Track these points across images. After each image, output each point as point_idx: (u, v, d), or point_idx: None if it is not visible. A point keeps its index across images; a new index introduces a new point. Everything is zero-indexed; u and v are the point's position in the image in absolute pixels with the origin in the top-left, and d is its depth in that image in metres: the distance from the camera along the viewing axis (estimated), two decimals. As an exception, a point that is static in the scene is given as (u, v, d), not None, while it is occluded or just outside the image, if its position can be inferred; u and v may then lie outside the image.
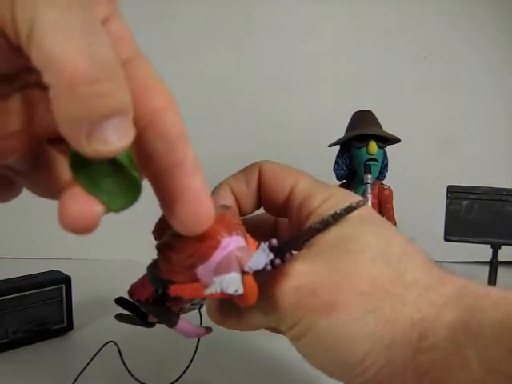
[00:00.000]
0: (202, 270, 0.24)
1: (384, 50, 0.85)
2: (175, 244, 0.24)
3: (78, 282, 0.53)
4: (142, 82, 0.20)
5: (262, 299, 0.25)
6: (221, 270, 0.23)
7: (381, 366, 0.23)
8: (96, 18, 0.18)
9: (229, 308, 0.28)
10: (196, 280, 0.24)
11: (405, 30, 0.85)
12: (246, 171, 0.31)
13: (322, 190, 0.28)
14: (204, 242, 0.23)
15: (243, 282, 0.23)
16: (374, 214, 0.28)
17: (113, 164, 0.19)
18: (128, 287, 0.31)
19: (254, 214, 0.33)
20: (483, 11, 0.85)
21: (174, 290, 0.25)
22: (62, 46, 0.16)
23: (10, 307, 0.47)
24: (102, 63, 0.16)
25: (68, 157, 0.19)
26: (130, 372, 0.37)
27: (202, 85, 0.77)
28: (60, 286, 0.50)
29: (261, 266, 0.23)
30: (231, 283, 0.22)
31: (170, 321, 0.29)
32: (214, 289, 0.23)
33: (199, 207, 0.21)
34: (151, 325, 0.32)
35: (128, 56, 0.20)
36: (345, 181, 0.58)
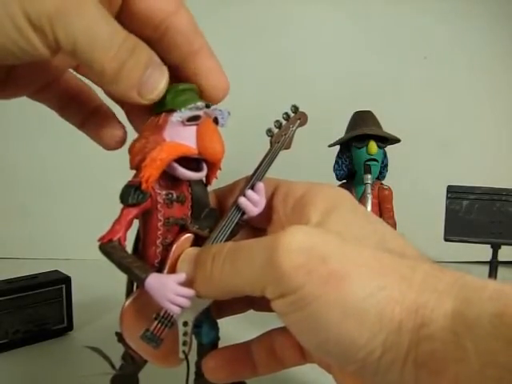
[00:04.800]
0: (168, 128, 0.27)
1: (384, 50, 0.85)
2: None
3: (78, 282, 0.53)
4: None
5: (257, 249, 0.24)
6: None
7: (384, 350, 0.21)
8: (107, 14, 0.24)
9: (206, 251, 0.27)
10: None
11: (405, 30, 0.85)
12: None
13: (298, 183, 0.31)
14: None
15: None
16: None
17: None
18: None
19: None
20: (483, 12, 0.85)
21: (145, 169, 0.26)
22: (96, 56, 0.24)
23: (10, 307, 0.47)
24: (121, 53, 0.24)
25: None
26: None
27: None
28: (60, 286, 0.50)
29: None
30: None
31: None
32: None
33: (222, 78, 0.29)
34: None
35: None
36: (345, 181, 0.58)
